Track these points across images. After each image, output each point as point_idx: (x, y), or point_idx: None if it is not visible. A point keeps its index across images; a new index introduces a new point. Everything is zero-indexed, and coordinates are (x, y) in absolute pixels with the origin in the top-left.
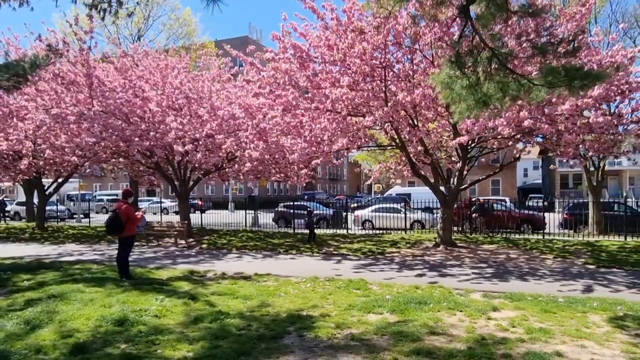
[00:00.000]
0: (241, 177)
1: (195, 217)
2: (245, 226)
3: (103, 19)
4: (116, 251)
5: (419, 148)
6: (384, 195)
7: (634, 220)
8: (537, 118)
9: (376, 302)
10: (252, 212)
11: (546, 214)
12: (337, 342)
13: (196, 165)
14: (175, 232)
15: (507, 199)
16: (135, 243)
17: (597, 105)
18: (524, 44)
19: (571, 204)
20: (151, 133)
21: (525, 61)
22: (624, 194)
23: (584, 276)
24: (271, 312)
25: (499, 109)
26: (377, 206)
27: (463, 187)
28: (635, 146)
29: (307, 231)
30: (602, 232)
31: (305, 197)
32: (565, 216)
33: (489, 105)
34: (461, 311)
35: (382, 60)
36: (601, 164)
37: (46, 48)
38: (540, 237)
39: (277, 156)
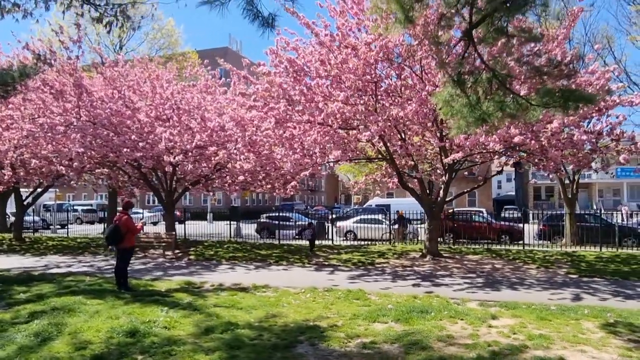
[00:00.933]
0: (227, 188)
1: (176, 228)
2: (230, 237)
3: (109, 32)
4: (103, 263)
5: (410, 163)
6: (364, 206)
7: (608, 232)
8: (524, 134)
9: (379, 311)
10: (235, 223)
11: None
12: (350, 351)
13: (182, 176)
14: (164, 244)
15: (483, 210)
16: None
17: (578, 122)
18: (523, 66)
19: (547, 216)
20: (140, 144)
21: (517, 81)
22: (595, 206)
23: (570, 285)
24: (279, 323)
25: (496, 126)
26: (359, 217)
27: (449, 199)
28: (605, 161)
29: (293, 242)
30: (578, 242)
31: (274, 207)
32: (542, 227)
33: (487, 122)
34: (462, 319)
35: (373, 75)
36: (576, 177)
37: (35, 57)
38: (520, 247)
39: (268, 168)
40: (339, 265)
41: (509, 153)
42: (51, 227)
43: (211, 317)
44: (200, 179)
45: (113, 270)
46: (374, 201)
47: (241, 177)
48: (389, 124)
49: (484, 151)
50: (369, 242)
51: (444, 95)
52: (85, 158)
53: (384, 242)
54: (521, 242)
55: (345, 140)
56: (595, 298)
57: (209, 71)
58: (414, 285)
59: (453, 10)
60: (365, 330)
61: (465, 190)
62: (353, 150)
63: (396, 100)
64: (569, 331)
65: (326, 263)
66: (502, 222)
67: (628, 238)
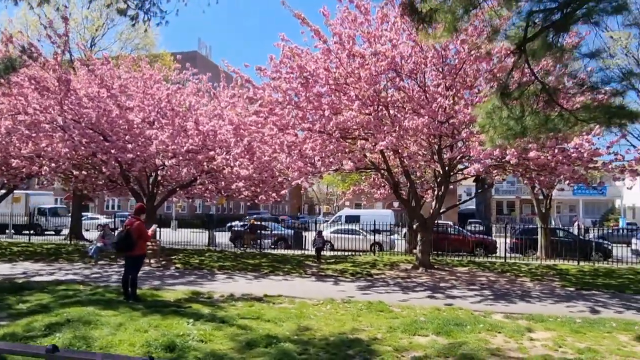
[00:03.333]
0: (207, 194)
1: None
2: (209, 245)
3: (134, 26)
4: (87, 271)
5: (421, 175)
6: (333, 217)
7: (577, 246)
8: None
9: (414, 324)
10: (208, 231)
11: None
12: None
13: (162, 181)
14: (149, 252)
15: (450, 223)
16: (101, 262)
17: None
18: (578, 82)
19: (520, 230)
20: (129, 145)
21: (561, 96)
22: (553, 222)
23: (577, 298)
24: (317, 336)
25: (536, 140)
26: (336, 228)
27: (442, 210)
28: (594, 177)
29: (274, 252)
30: (551, 256)
31: (233, 216)
32: (515, 240)
33: (526, 136)
34: (499, 332)
35: (379, 86)
36: (550, 193)
37: (20, 50)
38: (502, 260)
39: (266, 175)
40: (338, 276)
41: (514, 168)
42: (7, 231)
43: (244, 329)
44: (193, 183)
45: (104, 278)
46: (344, 212)
47: (240, 184)
48: (402, 135)
49: (500, 164)
50: (352, 253)
51: (487, 107)
52: (67, 159)
53: (365, 253)
54: (495, 254)
55: (347, 150)
56: (610, 311)
57: (194, 74)
58: (428, 297)
59: (506, 25)
60: (411, 344)
61: (457, 203)
62: (360, 160)
63: (403, 112)
64: (609, 344)
65: (322, 273)
66: (478, 235)
67: (596, 253)
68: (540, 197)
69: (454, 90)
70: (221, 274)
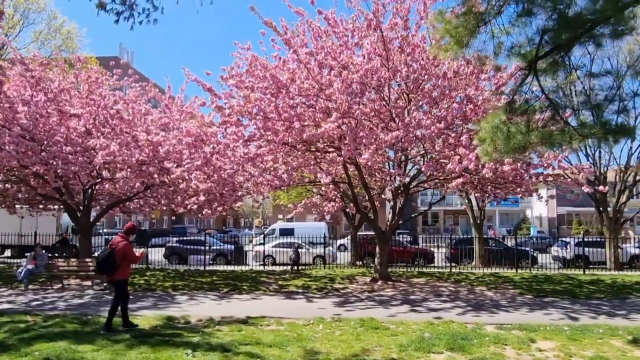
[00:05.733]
0: (146, 209)
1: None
2: (147, 264)
3: (117, 22)
4: (21, 297)
5: (388, 188)
6: (267, 230)
7: (507, 254)
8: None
9: (423, 341)
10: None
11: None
12: None
13: (96, 195)
14: (92, 273)
15: None
16: (31, 287)
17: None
18: (586, 99)
19: (456, 240)
20: (70, 156)
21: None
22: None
23: (544, 306)
24: None
25: (534, 154)
26: (278, 242)
27: (401, 222)
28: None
29: (220, 268)
30: (486, 264)
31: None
32: (452, 251)
33: (527, 150)
34: (506, 344)
35: (355, 99)
36: (484, 205)
37: None
38: (447, 270)
39: (226, 189)
40: (305, 292)
41: (479, 182)
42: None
43: (254, 358)
44: (135, 196)
45: (49, 306)
46: (277, 225)
47: (202, 198)
48: (380, 148)
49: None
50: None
51: (493, 121)
52: None
53: (311, 266)
54: (433, 264)
55: (312, 163)
56: (585, 317)
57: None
58: (411, 311)
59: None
60: None
61: (416, 214)
62: (331, 173)
63: (373, 125)
64: (609, 351)
65: (286, 290)
66: (417, 246)
67: (524, 260)
68: (476, 208)
69: (417, 105)
70: (180, 295)
